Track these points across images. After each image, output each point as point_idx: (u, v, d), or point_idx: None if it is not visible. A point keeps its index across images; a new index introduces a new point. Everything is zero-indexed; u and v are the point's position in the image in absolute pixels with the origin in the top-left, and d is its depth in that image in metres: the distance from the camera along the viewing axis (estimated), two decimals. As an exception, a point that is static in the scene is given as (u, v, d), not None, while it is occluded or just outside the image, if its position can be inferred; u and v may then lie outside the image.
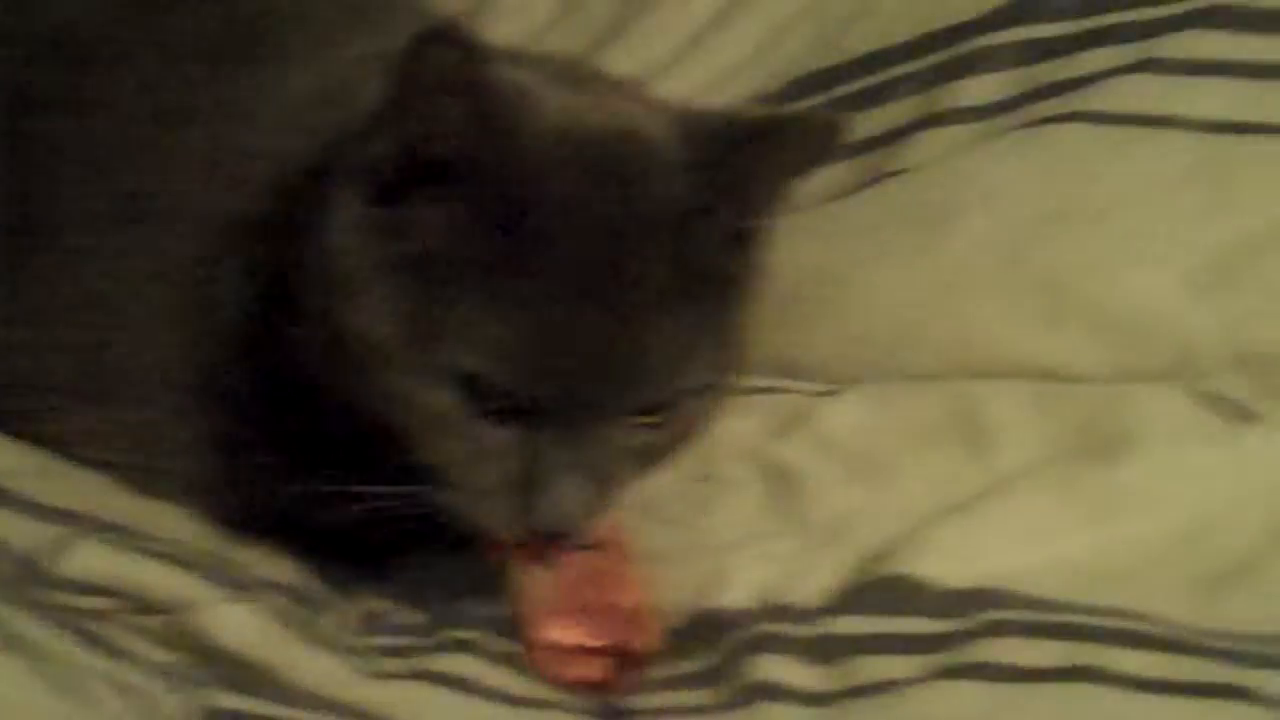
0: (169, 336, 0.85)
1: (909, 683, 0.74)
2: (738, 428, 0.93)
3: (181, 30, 0.91)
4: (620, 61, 1.12)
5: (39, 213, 0.89)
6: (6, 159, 0.89)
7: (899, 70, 1.04)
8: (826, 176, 1.02)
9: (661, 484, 0.89)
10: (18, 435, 0.89)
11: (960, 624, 0.77)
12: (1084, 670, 0.74)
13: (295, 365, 0.79)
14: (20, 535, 0.79)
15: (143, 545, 0.80)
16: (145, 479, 0.88)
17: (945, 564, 0.80)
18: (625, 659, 0.81)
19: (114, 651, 0.73)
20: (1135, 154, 0.95)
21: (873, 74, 1.05)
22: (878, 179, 1.01)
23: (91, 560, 0.78)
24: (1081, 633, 0.76)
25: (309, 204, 0.77)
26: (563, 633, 0.81)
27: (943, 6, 1.04)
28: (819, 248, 1.00)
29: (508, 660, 0.81)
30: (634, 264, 0.74)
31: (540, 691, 0.80)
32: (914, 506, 0.85)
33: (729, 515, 0.88)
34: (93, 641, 0.72)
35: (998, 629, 0.76)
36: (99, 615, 0.77)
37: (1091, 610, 0.78)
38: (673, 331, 0.75)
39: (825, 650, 0.77)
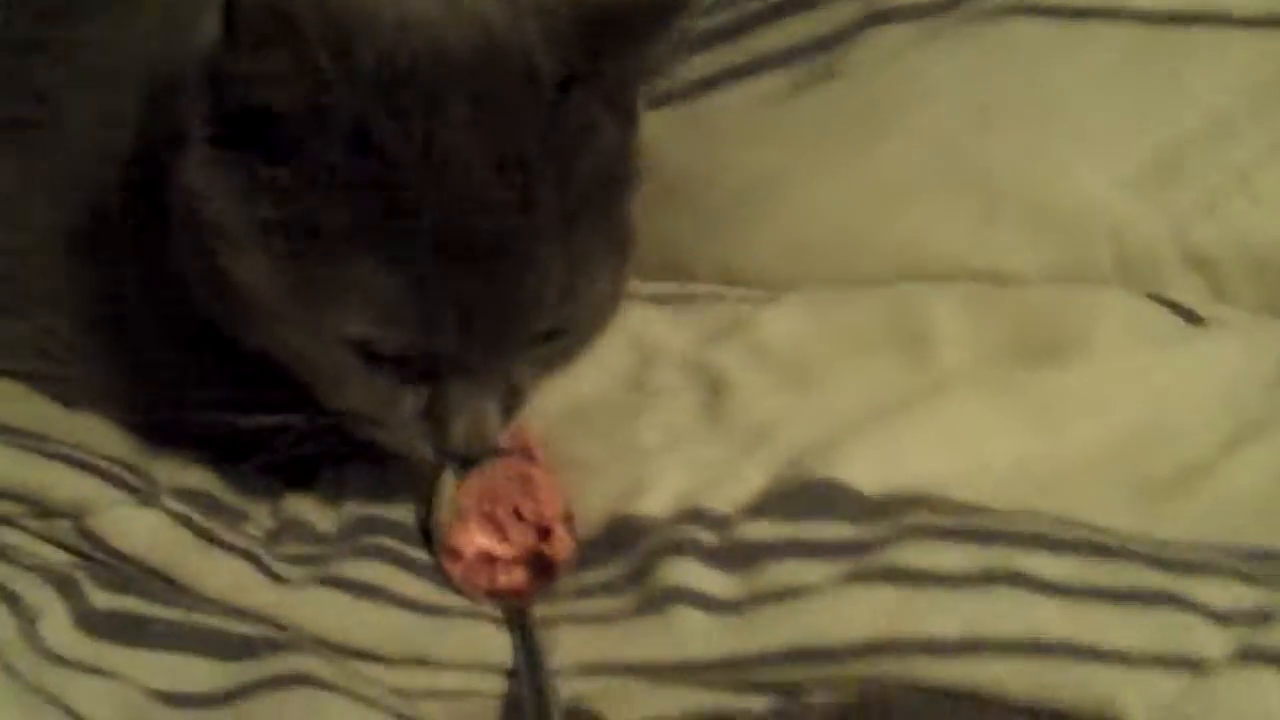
0: (71, 244, 0.83)
1: (820, 588, 0.73)
2: (673, 335, 0.91)
3: None
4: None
5: None
6: None
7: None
8: (770, 80, 0.99)
9: (591, 392, 0.88)
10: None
11: (878, 529, 0.75)
12: (1001, 574, 0.72)
13: (186, 291, 0.77)
14: None
15: (48, 449, 0.79)
16: (59, 389, 0.87)
17: (868, 468, 0.78)
18: (540, 568, 0.80)
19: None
20: (1077, 47, 0.91)
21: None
22: (819, 81, 0.98)
23: None
24: (1003, 538, 0.73)
25: (169, 129, 0.75)
26: (478, 541, 0.80)
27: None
28: (759, 152, 0.97)
29: (421, 569, 0.79)
30: (512, 193, 0.71)
31: (451, 600, 0.78)
32: (843, 412, 0.83)
33: (657, 422, 0.86)
34: None
35: (915, 533, 0.74)
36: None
37: (1017, 516, 0.75)
38: (565, 256, 0.72)
39: (738, 555, 0.76)
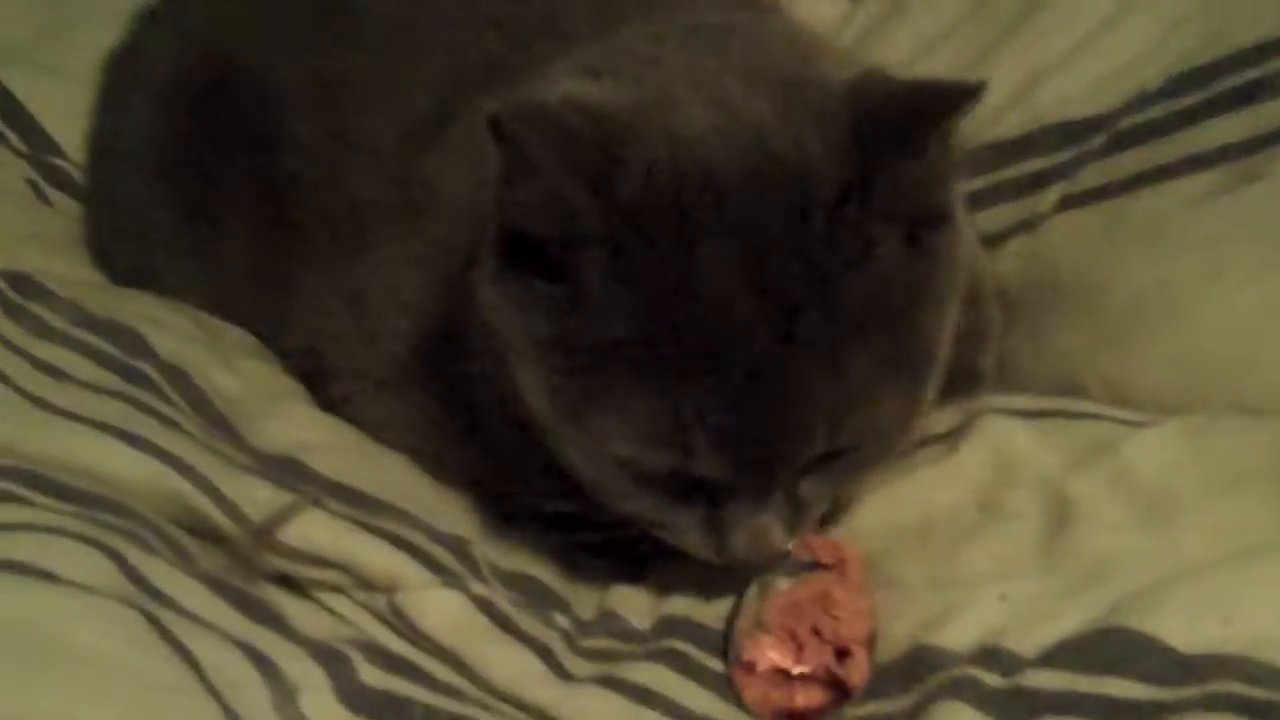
0: (435, 326, 0.88)
1: None
2: (1036, 454, 0.84)
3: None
4: (1014, 59, 1.05)
5: (354, 220, 0.94)
6: (325, 178, 0.95)
7: (1280, 62, 0.91)
8: (1193, 182, 0.91)
9: (941, 507, 0.83)
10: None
11: (1179, 692, 0.67)
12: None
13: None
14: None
15: (377, 523, 0.82)
16: (433, 466, 0.91)
17: (1186, 620, 0.69)
18: (833, 690, 0.76)
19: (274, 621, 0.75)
20: None
21: (1256, 66, 0.92)
22: (1240, 184, 0.88)
23: (312, 529, 0.80)
24: None
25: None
26: (770, 655, 0.77)
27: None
28: (1164, 259, 0.89)
29: (711, 679, 0.78)
30: (772, 321, 0.69)
31: (731, 714, 0.76)
32: (1188, 556, 0.74)
33: (993, 550, 0.80)
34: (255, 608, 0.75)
35: (1215, 702, 0.65)
36: (316, 584, 0.80)
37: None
38: (836, 383, 0.70)
39: (1019, 705, 0.69)
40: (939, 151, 0.71)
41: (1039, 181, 1.00)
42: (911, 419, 0.76)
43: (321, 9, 1.01)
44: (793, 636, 0.77)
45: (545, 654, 0.78)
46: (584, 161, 0.68)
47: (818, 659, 0.76)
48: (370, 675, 0.73)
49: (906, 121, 0.69)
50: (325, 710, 0.70)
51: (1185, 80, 0.95)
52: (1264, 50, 0.92)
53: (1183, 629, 0.69)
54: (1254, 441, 0.79)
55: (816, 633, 0.77)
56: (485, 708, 0.75)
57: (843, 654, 0.76)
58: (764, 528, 0.74)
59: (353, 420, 0.93)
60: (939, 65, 1.10)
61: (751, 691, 0.77)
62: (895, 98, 0.71)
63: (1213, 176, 0.91)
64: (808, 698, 0.76)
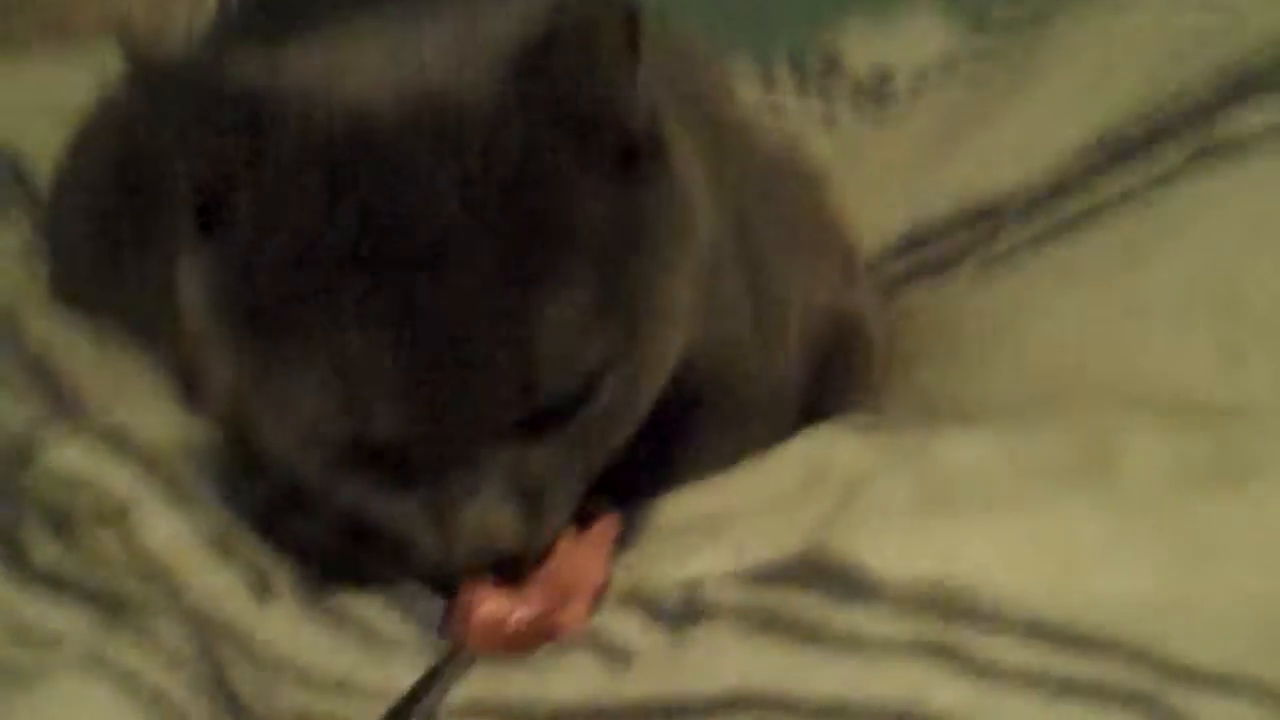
0: None
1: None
2: (851, 457, 0.77)
3: None
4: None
5: None
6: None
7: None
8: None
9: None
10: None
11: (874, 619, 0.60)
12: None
13: None
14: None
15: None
16: None
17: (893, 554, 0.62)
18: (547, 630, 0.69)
19: None
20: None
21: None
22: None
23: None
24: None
25: None
26: (489, 599, 0.70)
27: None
28: (1012, 288, 0.85)
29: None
30: (443, 245, 0.63)
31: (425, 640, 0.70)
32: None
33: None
34: None
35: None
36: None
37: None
38: (530, 315, 0.64)
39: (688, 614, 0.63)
40: (616, 72, 0.66)
41: (959, 256, 0.96)
42: (640, 382, 0.69)
43: None
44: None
45: (256, 577, 0.74)
46: (233, 117, 0.65)
47: (537, 604, 0.70)
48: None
49: (570, 37, 0.64)
50: None
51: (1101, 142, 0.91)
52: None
53: (883, 558, 0.62)
54: (1067, 438, 0.71)
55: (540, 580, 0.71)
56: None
57: (566, 599, 0.70)
58: (490, 510, 0.66)
59: None
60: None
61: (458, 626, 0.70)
62: (558, 16, 0.65)
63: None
64: (520, 638, 0.69)
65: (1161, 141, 0.86)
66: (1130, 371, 0.75)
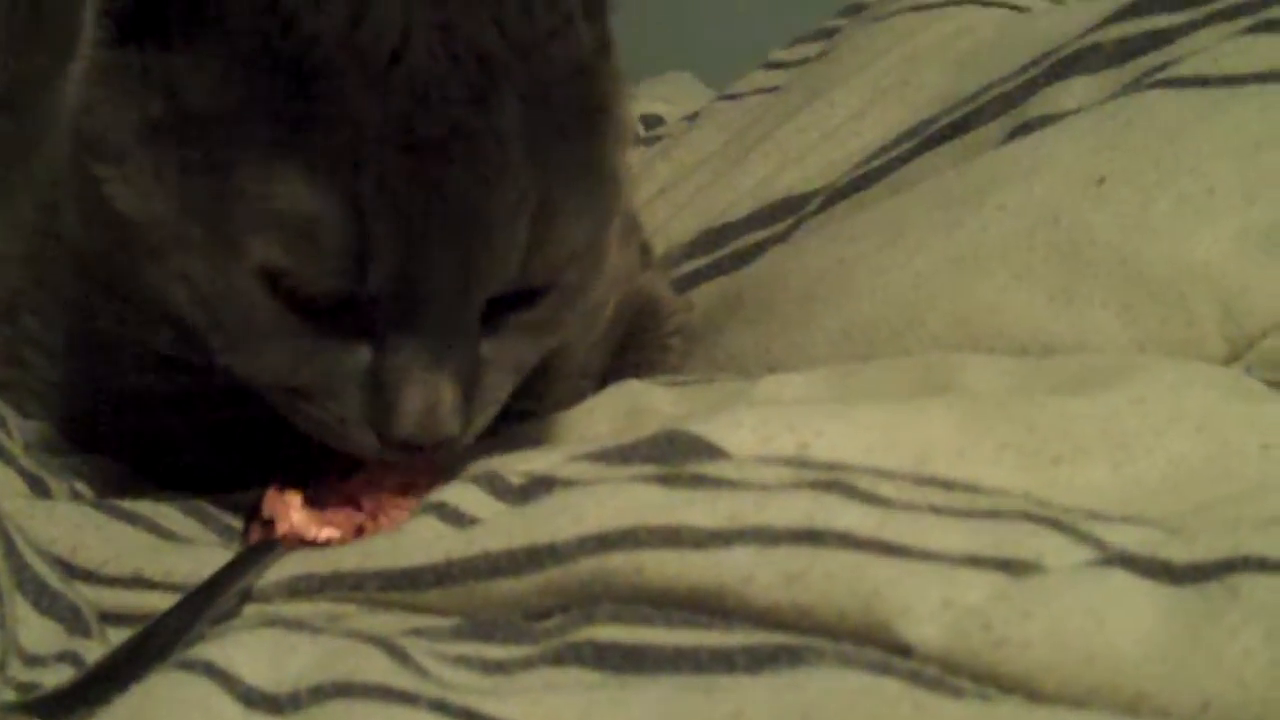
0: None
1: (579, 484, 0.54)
2: (669, 405, 0.74)
3: None
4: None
5: None
6: None
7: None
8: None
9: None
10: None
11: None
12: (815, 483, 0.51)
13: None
14: None
15: None
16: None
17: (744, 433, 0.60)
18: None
19: None
20: (1220, 114, 0.73)
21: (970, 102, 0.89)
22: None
23: None
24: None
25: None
26: (295, 516, 0.64)
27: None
28: (840, 244, 0.82)
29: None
30: (467, 88, 0.58)
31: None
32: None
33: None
34: None
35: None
36: None
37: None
38: (535, 186, 0.59)
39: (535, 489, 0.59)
40: None
41: (759, 250, 0.95)
42: (594, 273, 0.65)
43: None
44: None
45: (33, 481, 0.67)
46: None
47: (342, 526, 0.64)
48: None
49: None
50: None
51: (907, 134, 0.92)
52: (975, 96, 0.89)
53: (734, 436, 0.59)
54: (899, 370, 0.70)
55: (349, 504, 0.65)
56: None
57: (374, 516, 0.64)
58: (436, 389, 0.59)
59: None
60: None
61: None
62: None
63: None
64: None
65: (974, 127, 0.87)
66: (962, 319, 0.73)
